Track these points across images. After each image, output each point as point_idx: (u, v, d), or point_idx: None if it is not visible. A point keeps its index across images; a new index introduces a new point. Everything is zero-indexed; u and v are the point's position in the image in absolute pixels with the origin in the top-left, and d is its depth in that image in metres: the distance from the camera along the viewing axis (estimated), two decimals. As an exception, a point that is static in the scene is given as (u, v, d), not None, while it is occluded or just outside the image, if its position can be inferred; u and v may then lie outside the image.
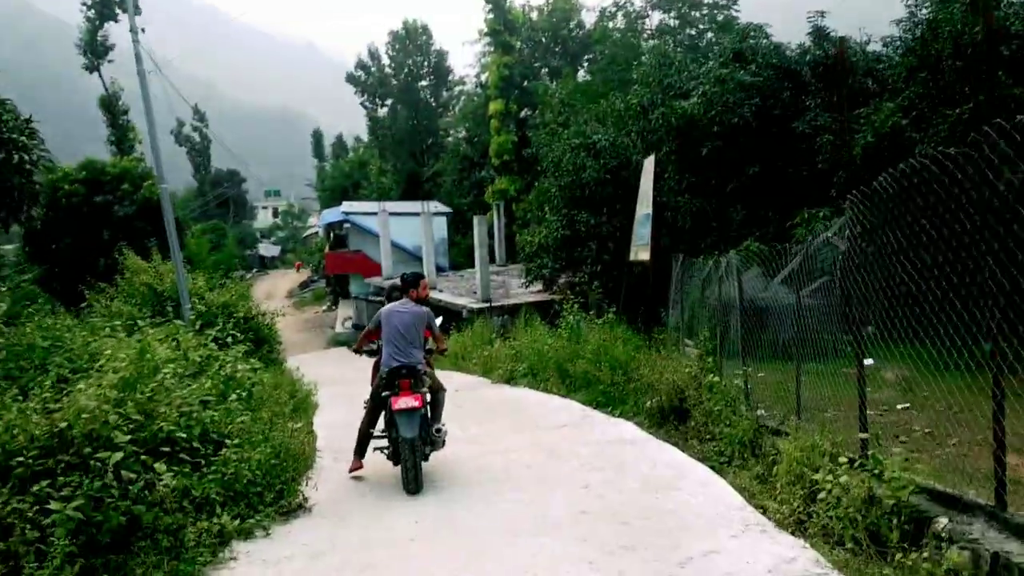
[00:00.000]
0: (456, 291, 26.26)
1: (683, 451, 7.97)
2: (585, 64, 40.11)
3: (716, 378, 8.79)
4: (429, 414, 7.81)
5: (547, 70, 40.72)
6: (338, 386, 15.74)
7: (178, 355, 7.58)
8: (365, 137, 62.92)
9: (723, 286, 11.43)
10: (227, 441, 5.77)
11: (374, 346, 8.20)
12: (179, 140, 77.87)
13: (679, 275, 14.25)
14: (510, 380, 14.07)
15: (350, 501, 6.81)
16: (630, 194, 19.19)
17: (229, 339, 9.31)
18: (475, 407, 11.60)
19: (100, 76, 42.09)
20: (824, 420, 6.97)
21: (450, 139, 48.93)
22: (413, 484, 7.02)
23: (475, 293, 23.65)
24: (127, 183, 30.67)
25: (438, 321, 8.46)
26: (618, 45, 32.32)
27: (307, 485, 6.79)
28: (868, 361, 9.69)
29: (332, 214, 42.88)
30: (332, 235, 43.63)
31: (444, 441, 7.79)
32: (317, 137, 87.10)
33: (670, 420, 9.39)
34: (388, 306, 8.03)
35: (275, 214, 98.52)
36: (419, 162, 49.45)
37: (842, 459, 5.31)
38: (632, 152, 19.58)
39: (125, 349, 6.04)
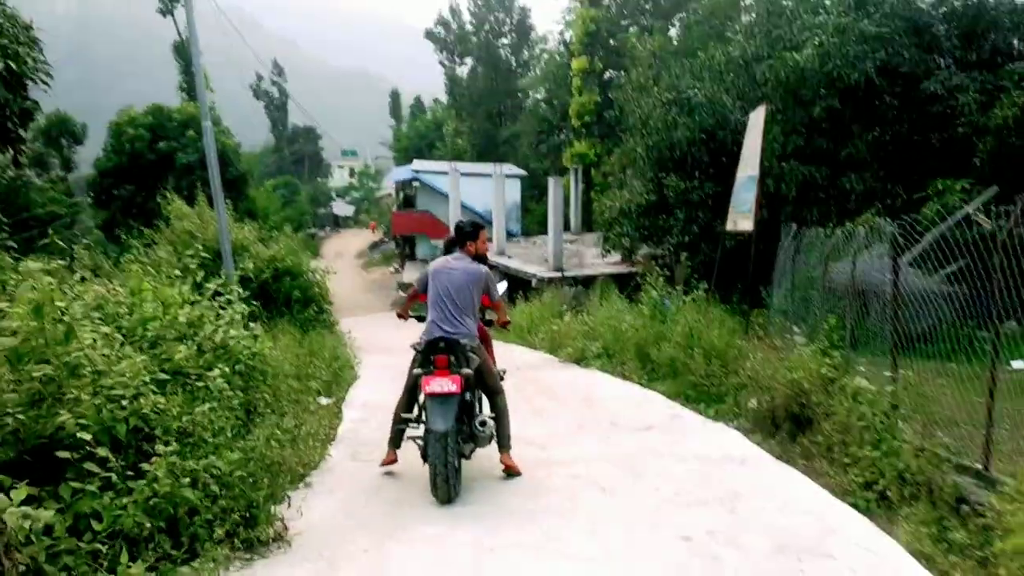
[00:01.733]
0: (526, 258, 24.34)
1: (811, 478, 5.90)
2: (677, 24, 37.38)
3: (862, 381, 6.66)
4: (474, 401, 6.07)
5: (636, 28, 38.10)
6: (390, 355, 14.00)
7: (156, 314, 5.79)
8: (444, 100, 61.25)
9: (857, 263, 9.24)
10: (158, 446, 3.92)
11: (422, 311, 6.50)
12: (257, 95, 77.40)
13: (788, 249, 12.03)
14: (581, 360, 12.09)
15: (351, 527, 4.91)
16: (726, 157, 16.92)
17: (234, 295, 7.29)
18: (538, 392, 9.67)
19: (174, 21, 41.11)
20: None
21: (529, 101, 46.75)
22: (443, 491, 5.40)
23: (547, 261, 21.69)
24: (192, 130, 29.56)
25: (501, 287, 6.61)
26: (718, -2, 29.64)
27: (288, 506, 4.89)
28: (1017, 363, 7.51)
29: (402, 172, 41.23)
30: (402, 195, 42.08)
31: (491, 436, 6.00)
32: (395, 98, 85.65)
33: (783, 428, 7.32)
34: (437, 260, 6.26)
35: (351, 174, 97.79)
36: (496, 124, 47.47)
37: None
38: (731, 111, 17.27)
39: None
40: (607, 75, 35.91)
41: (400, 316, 6.97)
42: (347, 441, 7.16)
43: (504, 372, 6.56)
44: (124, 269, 7.09)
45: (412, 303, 6.72)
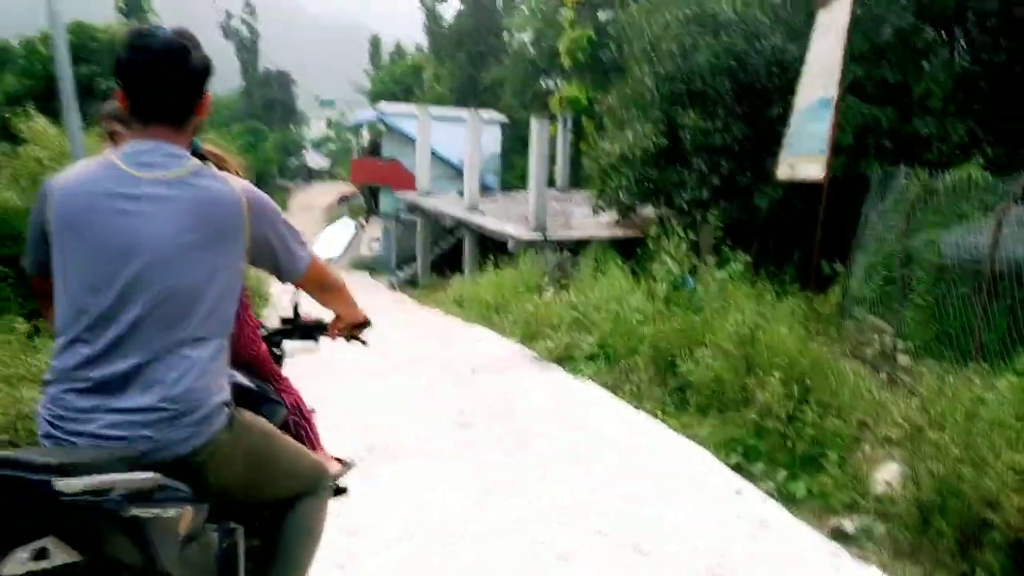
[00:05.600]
0: (503, 215, 20.41)
1: None
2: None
3: None
4: None
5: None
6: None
7: None
8: (426, 45, 56.43)
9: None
10: None
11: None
12: (227, 34, 72.20)
13: (875, 207, 8.25)
14: (566, 360, 8.24)
15: None
16: (759, 95, 13.11)
17: None
18: (498, 431, 5.83)
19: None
20: None
21: (515, 42, 42.30)
22: None
23: (527, 220, 17.78)
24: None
25: (332, 239, 2.99)
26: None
27: None
28: None
29: (366, 114, 36.95)
30: (367, 140, 37.87)
31: None
32: (375, 45, 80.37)
33: (977, 560, 3.57)
34: (73, 173, 1.90)
35: (329, 125, 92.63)
36: (478, 68, 43.07)
37: None
38: (767, 33, 13.37)
39: None
40: (603, 15, 31.64)
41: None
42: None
43: (349, 466, 2.85)
44: None
45: (49, 305, 2.02)
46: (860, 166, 11.10)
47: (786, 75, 12.51)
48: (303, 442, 2.71)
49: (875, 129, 11.79)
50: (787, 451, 5.00)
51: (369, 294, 21.04)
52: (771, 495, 4.57)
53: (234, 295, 1.97)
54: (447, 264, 23.17)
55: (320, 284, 2.30)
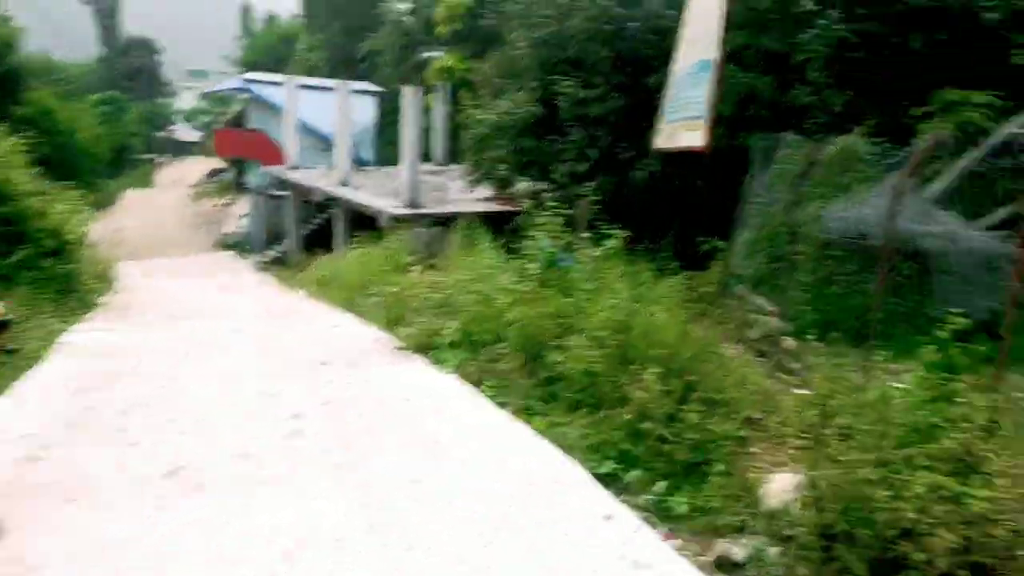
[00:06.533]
0: (377, 190, 19.28)
1: None
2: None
3: None
4: None
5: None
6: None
7: None
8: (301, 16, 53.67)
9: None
10: None
11: None
12: (83, -3, 67.37)
13: (758, 179, 7.73)
14: (429, 349, 7.38)
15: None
16: (635, 64, 12.53)
17: None
18: (334, 444, 4.90)
19: None
20: None
21: (392, 14, 40.75)
22: None
23: (400, 194, 16.73)
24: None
25: None
26: None
27: None
28: None
29: (230, 82, 34.80)
30: (232, 110, 35.70)
31: None
32: (245, 12, 76.55)
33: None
34: None
35: (203, 96, 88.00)
36: (354, 39, 41.31)
37: None
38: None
39: None
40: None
41: None
42: None
43: None
44: None
45: None
46: (740, 137, 10.60)
47: (664, 43, 11.93)
48: None
49: (755, 99, 11.30)
50: (666, 457, 4.31)
51: (228, 276, 19.58)
52: (648, 515, 3.87)
53: None
54: (319, 242, 21.87)
55: None
